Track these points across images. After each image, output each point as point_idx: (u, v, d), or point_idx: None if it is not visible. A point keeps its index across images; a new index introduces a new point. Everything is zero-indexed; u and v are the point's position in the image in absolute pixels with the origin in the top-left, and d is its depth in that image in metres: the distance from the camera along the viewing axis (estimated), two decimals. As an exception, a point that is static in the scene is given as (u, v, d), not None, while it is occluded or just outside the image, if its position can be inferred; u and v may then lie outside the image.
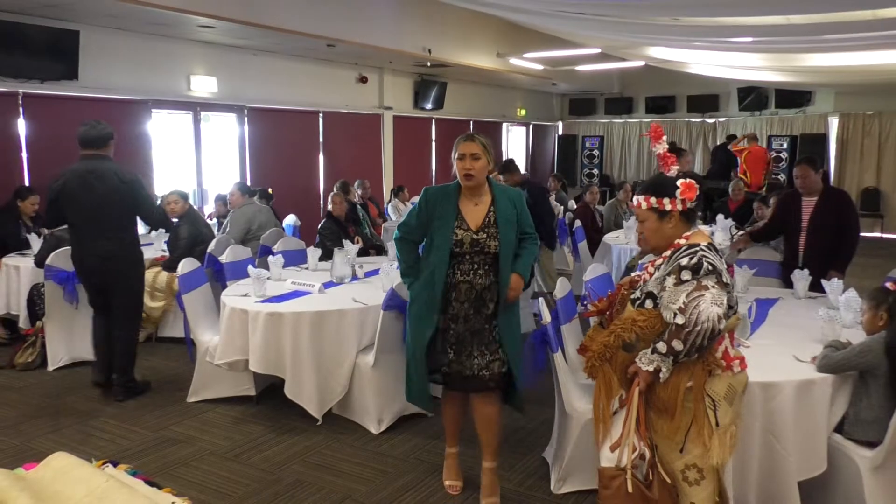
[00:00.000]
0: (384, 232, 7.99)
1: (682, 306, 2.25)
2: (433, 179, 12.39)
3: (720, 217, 7.22)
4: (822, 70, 9.18)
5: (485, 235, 3.10)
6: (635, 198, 2.50)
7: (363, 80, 10.53)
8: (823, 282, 4.13)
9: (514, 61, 10.95)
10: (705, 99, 13.99)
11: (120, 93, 7.67)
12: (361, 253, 5.82)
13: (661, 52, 8.70)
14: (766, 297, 4.27)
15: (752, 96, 13.32)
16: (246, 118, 9.11)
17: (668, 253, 2.41)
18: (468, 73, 11.32)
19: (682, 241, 2.40)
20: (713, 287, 2.26)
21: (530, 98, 14.93)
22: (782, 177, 12.46)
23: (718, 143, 13.11)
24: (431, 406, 3.48)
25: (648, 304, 2.39)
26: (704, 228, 4.16)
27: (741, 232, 5.56)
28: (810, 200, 4.72)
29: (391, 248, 5.84)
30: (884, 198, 12.34)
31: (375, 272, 4.91)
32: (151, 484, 1.78)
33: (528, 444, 3.92)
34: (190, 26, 7.36)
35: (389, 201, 9.81)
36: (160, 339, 5.83)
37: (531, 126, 15.46)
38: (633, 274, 2.72)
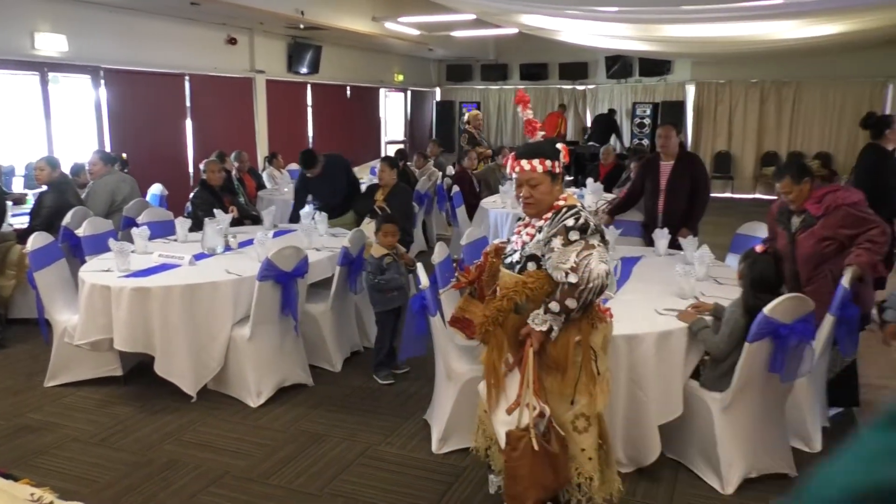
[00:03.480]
0: (260, 201, 7.74)
1: (574, 265, 2.34)
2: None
3: (590, 181, 7.56)
4: (680, 40, 9.70)
5: None
6: (525, 162, 2.47)
7: (232, 41, 10.03)
8: (680, 239, 4.43)
9: (390, 25, 10.81)
10: (576, 67, 14.45)
11: (-49, 51, 6.88)
12: (236, 223, 5.61)
13: (533, 20, 8.86)
14: (630, 256, 4.52)
15: (618, 65, 13.90)
16: (102, 81, 8.44)
17: (549, 215, 2.47)
18: (344, 36, 11.06)
19: (562, 203, 2.49)
20: (599, 245, 2.38)
21: (408, 63, 14.83)
22: (646, 142, 13.15)
23: (599, 113, 13.68)
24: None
25: (531, 266, 2.45)
26: (573, 191, 4.34)
27: (604, 206, 5.83)
28: (668, 164, 5.02)
29: (267, 217, 5.68)
30: (734, 161, 13.33)
31: (250, 242, 4.75)
32: (6, 476, 1.66)
33: (409, 408, 3.98)
34: (31, -22, 6.69)
35: (264, 169, 9.48)
36: (12, 321, 5.36)
37: (409, 92, 15.38)
38: (496, 241, 2.79)
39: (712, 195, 6.28)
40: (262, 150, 10.70)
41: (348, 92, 13.19)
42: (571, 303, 2.35)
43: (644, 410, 3.12)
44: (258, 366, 4.01)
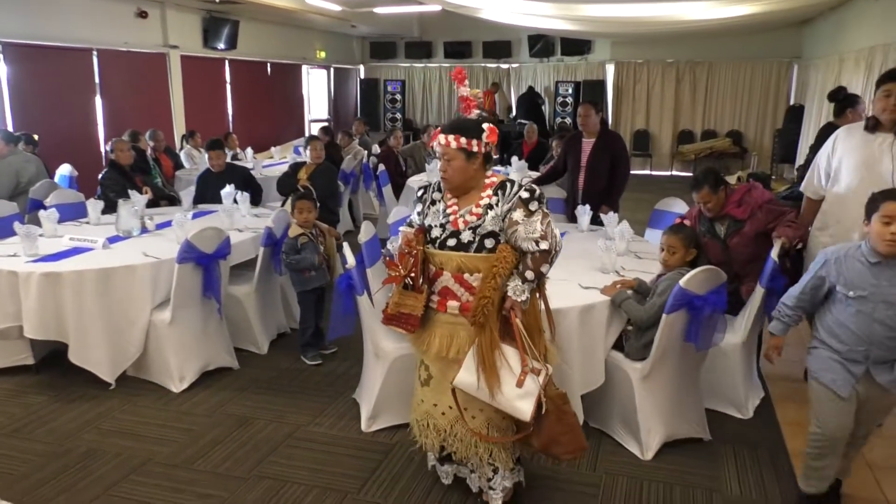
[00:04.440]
0: (178, 181, 7.48)
1: (543, 233, 2.41)
2: (230, 124, 11.73)
3: (515, 158, 7.65)
4: (599, 20, 9.89)
5: None
6: (443, 136, 2.48)
7: (143, 14, 9.57)
8: (602, 215, 4.55)
9: (311, 1, 10.54)
10: (499, 45, 14.52)
11: None
12: (151, 204, 5.40)
13: (456, -3, 8.85)
14: (554, 232, 4.61)
15: (541, 44, 14.06)
16: (1, 56, 7.92)
17: (489, 192, 2.48)
18: (262, 11, 10.73)
19: (495, 180, 2.52)
20: (549, 212, 2.49)
21: (330, 40, 14.54)
22: (569, 120, 13.39)
23: (524, 91, 13.79)
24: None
25: (488, 243, 2.45)
26: (498, 170, 4.37)
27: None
28: (589, 142, 5.13)
29: (185, 197, 5.49)
30: (652, 139, 13.75)
31: (168, 224, 4.59)
32: None
33: (338, 388, 3.96)
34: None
35: (181, 148, 9.14)
36: None
37: (332, 69, 15.10)
38: (406, 228, 2.62)
39: (632, 172, 6.47)
40: (179, 128, 10.32)
41: (269, 69, 12.85)
42: (546, 268, 2.46)
43: (568, 381, 3.20)
44: (180, 350, 3.91)
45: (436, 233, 2.53)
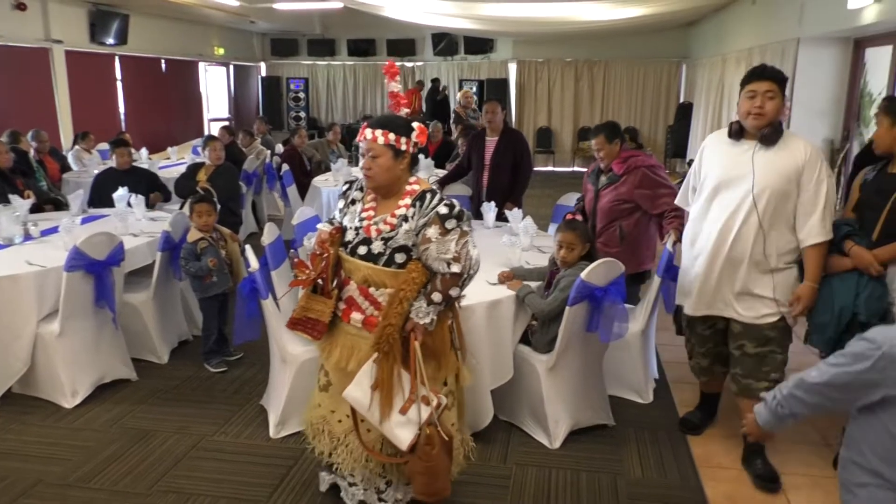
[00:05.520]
0: (65, 184, 7.05)
1: (456, 255, 2.28)
2: (122, 123, 11.17)
3: (421, 157, 7.65)
4: (500, 20, 10.07)
5: None
6: (369, 131, 2.34)
7: (21, 7, 8.95)
8: (506, 211, 4.63)
9: (206, -5, 10.20)
10: (403, 43, 14.51)
11: None
12: (35, 209, 5.06)
13: (357, -6, 8.77)
14: (460, 229, 4.65)
15: (445, 42, 14.16)
16: None
17: (407, 201, 2.35)
18: (154, 5, 10.27)
19: (417, 188, 2.38)
20: (469, 230, 2.35)
21: (228, 36, 14.10)
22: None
23: (430, 88, 13.77)
24: None
25: (399, 257, 2.32)
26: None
27: (434, 182, 5.93)
28: (492, 140, 5.21)
29: (74, 201, 5.18)
30: (554, 136, 14.12)
31: (54, 230, 4.32)
32: None
33: (244, 394, 3.85)
34: None
35: (71, 149, 8.61)
36: None
37: (232, 66, 14.65)
38: (324, 227, 2.50)
39: (535, 169, 6.63)
40: (66, 128, 9.73)
41: (163, 65, 12.32)
42: (455, 291, 2.33)
43: (477, 377, 3.23)
44: (71, 363, 3.69)
45: (349, 236, 2.41)
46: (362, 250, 2.35)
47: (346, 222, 2.44)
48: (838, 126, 6.65)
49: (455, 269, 2.28)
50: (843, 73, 6.56)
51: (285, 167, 7.46)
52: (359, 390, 2.31)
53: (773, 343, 2.93)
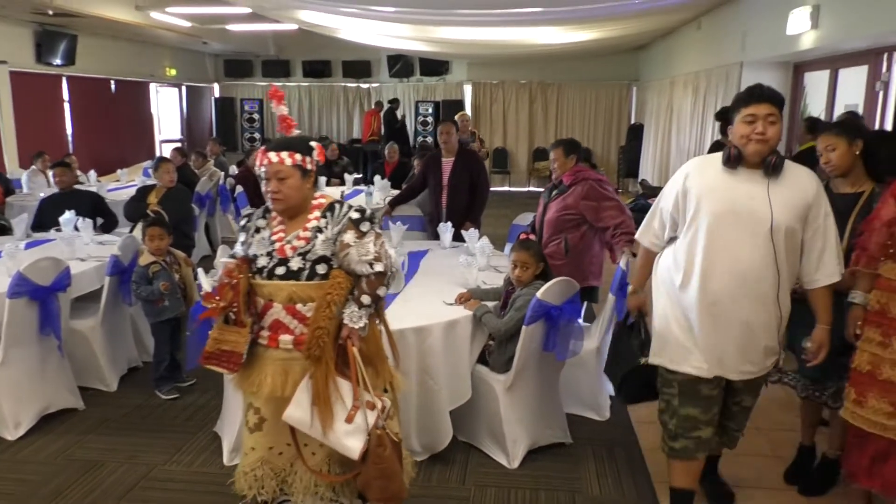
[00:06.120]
0: (9, 208, 6.83)
1: (377, 254, 2.32)
2: (70, 145, 10.90)
3: (377, 178, 7.67)
4: (455, 42, 10.19)
5: None
6: (274, 154, 2.31)
7: (-37, 26, 8.72)
8: (463, 232, 4.65)
9: (157, 16, 10.05)
10: (359, 65, 14.54)
11: None
12: (-23, 234, 4.89)
13: (311, 17, 8.76)
14: (417, 250, 4.66)
15: (400, 64, 14.24)
16: None
17: (317, 214, 2.36)
18: (103, 25, 10.08)
19: (323, 201, 2.40)
20: (381, 232, 2.40)
21: (181, 57, 13.93)
22: (430, 139, 13.62)
23: (385, 108, 13.75)
24: None
25: (320, 268, 2.31)
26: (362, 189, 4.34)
27: (386, 202, 5.93)
28: (448, 161, 5.25)
29: (18, 226, 5.02)
30: (510, 156, 14.28)
31: (-3, 255, 4.18)
32: None
33: (197, 422, 3.76)
34: None
35: (28, 169, 8.28)
36: None
37: (184, 87, 14.47)
38: (227, 259, 2.44)
39: (492, 189, 6.69)
40: (10, 150, 9.45)
41: (113, 86, 12.10)
42: (382, 291, 2.36)
43: (435, 398, 3.24)
44: (14, 394, 3.55)
45: (262, 262, 2.34)
46: (281, 271, 2.32)
47: (253, 251, 2.38)
48: (781, 147, 6.87)
49: (378, 268, 2.32)
50: (784, 96, 6.81)
51: (239, 189, 7.36)
52: (298, 409, 2.27)
53: (760, 392, 2.75)
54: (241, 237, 2.46)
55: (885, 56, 5.10)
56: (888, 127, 5.08)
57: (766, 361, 2.56)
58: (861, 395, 2.51)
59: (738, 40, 7.10)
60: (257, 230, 2.42)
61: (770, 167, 2.42)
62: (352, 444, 2.26)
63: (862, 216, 2.72)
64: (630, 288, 2.91)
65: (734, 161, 2.45)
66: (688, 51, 9.46)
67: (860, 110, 5.47)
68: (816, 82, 6.49)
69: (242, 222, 2.49)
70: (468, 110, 14.23)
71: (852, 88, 5.75)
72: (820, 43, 5.36)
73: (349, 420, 2.26)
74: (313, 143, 2.40)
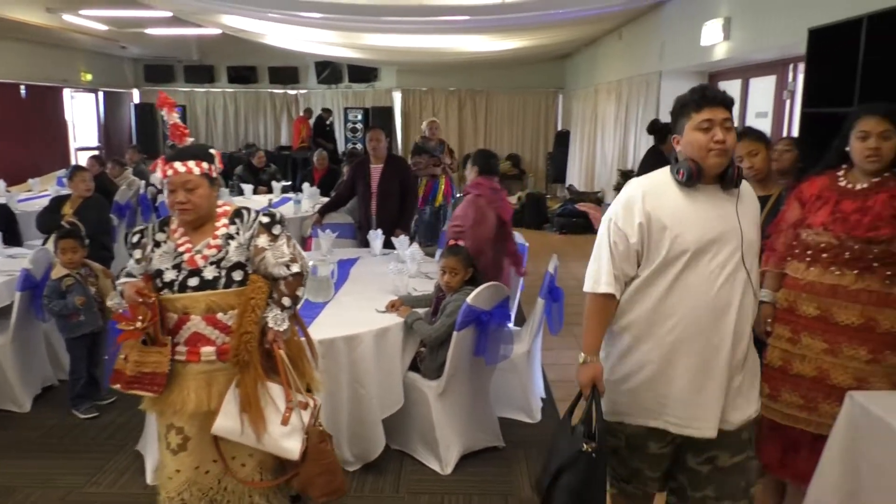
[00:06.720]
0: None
1: (292, 256, 2.32)
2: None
3: (306, 185, 7.58)
4: (383, 49, 10.18)
5: None
6: (179, 164, 2.26)
7: None
8: (393, 239, 4.64)
9: (70, 18, 9.61)
10: (286, 71, 14.32)
11: None
12: None
13: (235, 21, 8.59)
14: (347, 258, 4.62)
15: (328, 70, 14.11)
16: None
17: (224, 221, 2.32)
18: (11, 28, 9.58)
19: (228, 208, 2.37)
20: (291, 235, 2.41)
21: (97, 61, 13.38)
22: (360, 146, 13.54)
23: (317, 116, 13.55)
24: None
25: (237, 275, 2.28)
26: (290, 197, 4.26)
27: (316, 210, 5.86)
28: (377, 167, 5.23)
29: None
30: (440, 163, 14.35)
31: None
32: None
33: (118, 441, 3.61)
34: None
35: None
36: None
37: (101, 93, 13.91)
38: (122, 282, 2.33)
39: (421, 195, 6.71)
40: None
41: (23, 91, 11.52)
42: (301, 291, 2.38)
43: (367, 406, 3.21)
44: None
45: (170, 276, 2.26)
46: (194, 282, 2.25)
47: (156, 266, 2.30)
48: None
49: (295, 269, 2.33)
50: (701, 103, 7.08)
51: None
52: (228, 419, 2.22)
53: (748, 447, 2.20)
54: (136, 254, 2.34)
55: (791, 66, 5.38)
56: (794, 133, 5.35)
57: (751, 408, 2.19)
58: (774, 390, 2.62)
59: (657, 50, 7.36)
60: (157, 244, 2.32)
61: (733, 180, 2.09)
62: (290, 445, 2.26)
63: (769, 219, 2.84)
64: (581, 357, 2.19)
65: (697, 179, 2.06)
66: (610, 60, 9.74)
67: (769, 117, 5.75)
68: (730, 91, 6.78)
69: (135, 239, 2.36)
70: (397, 117, 14.24)
71: (762, 97, 6.04)
72: (732, 54, 5.61)
73: (284, 422, 2.25)
74: (213, 151, 2.39)
